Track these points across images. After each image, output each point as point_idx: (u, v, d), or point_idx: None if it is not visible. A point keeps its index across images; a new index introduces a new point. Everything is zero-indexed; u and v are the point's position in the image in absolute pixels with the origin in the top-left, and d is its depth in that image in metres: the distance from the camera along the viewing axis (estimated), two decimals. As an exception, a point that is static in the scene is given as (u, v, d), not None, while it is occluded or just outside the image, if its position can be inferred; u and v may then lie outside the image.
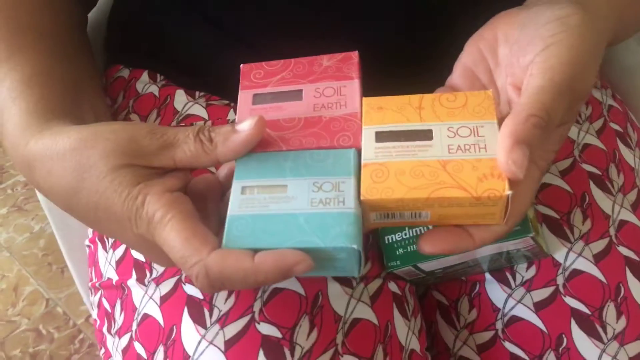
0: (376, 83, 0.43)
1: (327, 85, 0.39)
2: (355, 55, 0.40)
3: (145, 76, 0.53)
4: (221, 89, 0.50)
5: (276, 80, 0.40)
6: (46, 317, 1.19)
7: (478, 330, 0.47)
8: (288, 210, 0.33)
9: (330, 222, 0.33)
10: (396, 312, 0.46)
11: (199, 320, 0.43)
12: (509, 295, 0.46)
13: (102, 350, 0.50)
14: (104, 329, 0.50)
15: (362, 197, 0.33)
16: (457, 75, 0.40)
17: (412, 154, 0.34)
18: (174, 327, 0.43)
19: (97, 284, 0.51)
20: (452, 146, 0.34)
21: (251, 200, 0.34)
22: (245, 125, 0.34)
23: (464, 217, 0.34)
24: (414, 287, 0.50)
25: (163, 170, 0.35)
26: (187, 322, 0.43)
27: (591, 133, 0.51)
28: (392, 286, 0.47)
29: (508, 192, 0.32)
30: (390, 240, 0.45)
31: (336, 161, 0.35)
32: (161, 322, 0.44)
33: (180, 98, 0.51)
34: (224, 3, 0.49)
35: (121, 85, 0.54)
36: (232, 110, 0.50)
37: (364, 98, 0.38)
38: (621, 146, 0.52)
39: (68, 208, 0.37)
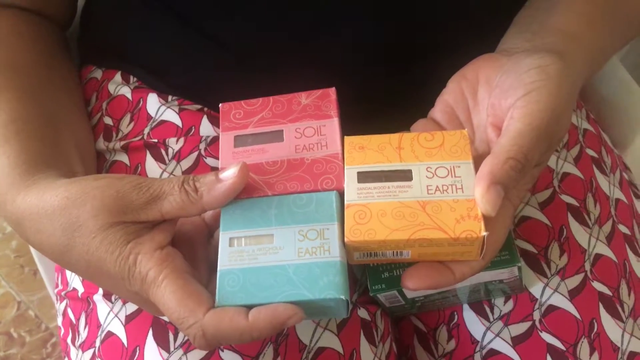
0: (356, 114, 0.47)
1: (307, 125, 0.43)
2: (332, 92, 0.45)
3: (117, 77, 0.56)
4: (194, 92, 0.54)
5: (256, 120, 0.44)
6: (17, 320, 1.20)
7: (457, 361, 0.51)
8: (276, 262, 0.37)
9: (318, 272, 0.36)
10: (363, 340, 0.49)
11: (162, 342, 0.46)
12: (488, 328, 0.50)
13: (66, 359, 0.53)
14: (69, 340, 0.53)
15: (346, 239, 0.37)
16: (437, 110, 0.45)
17: (392, 195, 0.39)
18: (137, 348, 0.46)
19: (62, 293, 0.54)
20: (431, 187, 0.39)
21: (239, 253, 0.38)
22: (229, 173, 0.38)
23: (443, 254, 0.39)
24: (388, 312, 0.54)
25: (151, 224, 0.38)
26: (150, 344, 0.46)
27: (569, 161, 0.56)
28: (362, 312, 0.51)
29: (484, 233, 0.36)
30: (375, 264, 0.49)
31: (319, 206, 0.39)
32: (125, 341, 0.47)
33: (152, 101, 0.54)
34: (203, 9, 0.51)
35: (94, 86, 0.57)
36: (205, 116, 0.53)
37: (345, 137, 0.42)
38: (597, 173, 0.57)
39: (60, 263, 0.40)
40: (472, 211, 0.37)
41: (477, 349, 0.50)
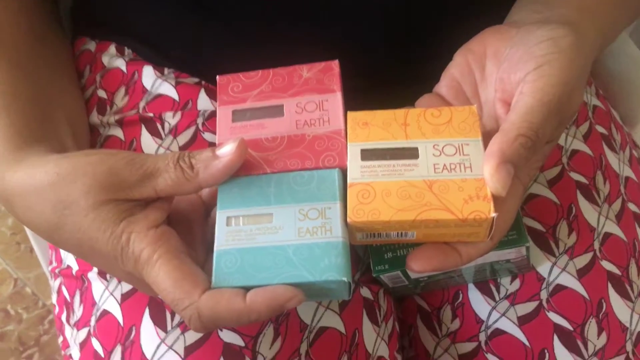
0: (359, 89, 0.46)
1: (309, 100, 0.41)
2: (335, 65, 0.43)
3: (112, 49, 0.54)
4: (192, 65, 0.52)
5: (255, 94, 0.42)
6: (14, 297, 1.21)
7: (461, 340, 0.51)
8: (276, 242, 0.36)
9: (319, 253, 0.35)
10: (365, 319, 0.49)
11: (159, 322, 0.45)
12: (493, 308, 0.50)
13: (61, 338, 0.52)
14: (63, 317, 0.52)
15: (348, 220, 0.36)
16: (443, 85, 0.43)
17: (398, 174, 0.37)
18: (133, 327, 0.46)
19: (56, 270, 0.53)
20: (438, 165, 0.37)
21: (237, 232, 0.37)
22: (226, 150, 0.37)
23: (449, 235, 0.37)
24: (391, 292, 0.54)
25: (145, 202, 0.37)
26: (147, 323, 0.45)
27: (578, 138, 0.55)
28: (364, 292, 0.50)
29: (493, 214, 0.35)
30: (378, 244, 0.48)
31: (320, 184, 0.38)
32: (120, 320, 0.46)
33: (148, 74, 0.52)
34: None
35: (87, 58, 0.55)
36: (202, 89, 0.51)
37: (349, 113, 0.40)
38: (607, 150, 0.56)
39: (51, 241, 0.39)
40: (481, 191, 0.36)
41: (482, 328, 0.50)
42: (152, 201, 0.37)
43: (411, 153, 0.38)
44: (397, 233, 0.37)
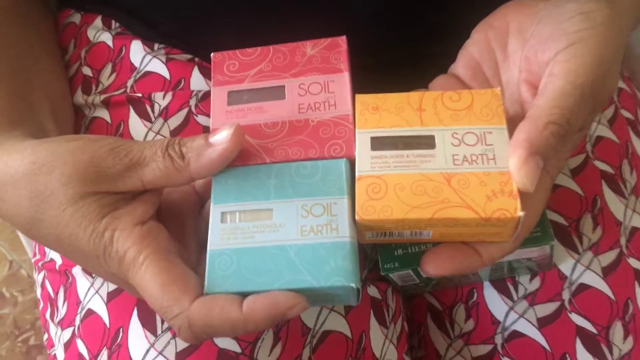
0: (367, 68, 0.42)
1: (313, 80, 0.37)
2: (343, 41, 0.39)
3: (98, 22, 0.50)
4: (184, 40, 0.48)
5: (253, 73, 0.38)
6: (10, 279, 1.18)
7: (475, 342, 0.47)
8: (276, 241, 0.32)
9: (324, 255, 0.32)
10: (373, 321, 0.45)
11: (149, 324, 0.42)
12: (511, 308, 0.46)
13: (46, 336, 0.49)
14: (47, 315, 0.49)
15: (357, 217, 0.32)
16: (461, 65, 0.39)
17: (413, 166, 0.33)
18: (121, 329, 0.42)
19: (40, 263, 0.50)
20: (457, 156, 0.33)
21: (233, 230, 0.33)
22: (220, 137, 0.33)
23: (469, 235, 0.34)
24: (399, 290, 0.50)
25: (130, 194, 0.34)
26: (135, 325, 0.42)
27: (603, 123, 0.51)
28: (372, 291, 0.47)
29: (520, 213, 0.31)
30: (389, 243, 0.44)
31: (326, 176, 0.34)
32: (107, 321, 0.43)
33: (136, 49, 0.48)
34: None
35: (72, 32, 0.51)
36: (196, 67, 0.48)
37: (357, 96, 0.36)
38: (633, 137, 0.52)
39: (30, 236, 0.36)
40: (506, 186, 0.32)
41: (499, 330, 0.46)
42: (138, 194, 0.34)
43: (427, 142, 0.34)
44: (411, 232, 0.34)
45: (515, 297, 0.46)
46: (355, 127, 0.35)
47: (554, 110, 0.32)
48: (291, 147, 0.35)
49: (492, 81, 0.39)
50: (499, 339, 0.46)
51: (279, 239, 0.33)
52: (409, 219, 0.32)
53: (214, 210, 0.34)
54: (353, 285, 0.31)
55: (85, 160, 0.33)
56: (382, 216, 0.32)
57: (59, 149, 0.34)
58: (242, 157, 0.35)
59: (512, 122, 0.34)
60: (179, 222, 0.36)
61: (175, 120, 0.46)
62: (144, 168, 0.33)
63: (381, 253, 0.43)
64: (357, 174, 0.34)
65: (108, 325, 0.42)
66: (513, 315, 0.46)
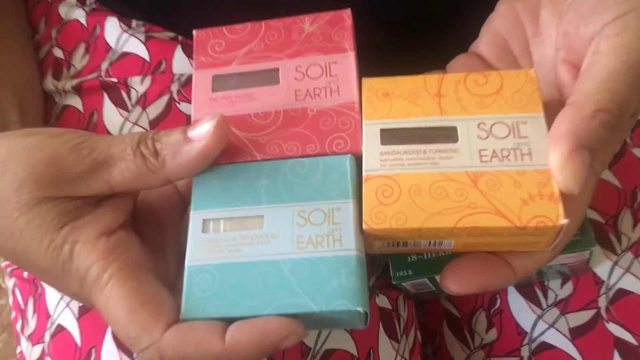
0: (373, 47, 0.36)
1: (312, 62, 0.32)
2: (347, 15, 0.33)
3: None
4: (165, 15, 0.43)
5: (243, 54, 0.33)
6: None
7: (498, 354, 0.43)
8: (267, 256, 0.27)
9: (325, 272, 0.26)
10: (382, 336, 0.40)
11: (124, 345, 0.37)
12: (539, 317, 0.41)
13: (19, 349, 0.44)
14: (18, 326, 0.44)
15: (365, 226, 0.27)
16: (484, 42, 0.34)
17: (431, 163, 0.28)
18: (93, 350, 0.38)
19: (9, 269, 0.45)
20: (485, 152, 0.28)
21: (216, 242, 0.28)
22: (201, 130, 0.28)
23: (499, 245, 0.28)
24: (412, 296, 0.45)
25: (96, 199, 0.29)
26: (109, 345, 0.37)
27: None
28: (381, 300, 0.41)
29: (563, 220, 0.26)
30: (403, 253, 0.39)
31: (327, 176, 0.29)
32: (78, 340, 0.38)
33: (112, 27, 0.43)
34: None
35: (43, 9, 0.46)
36: (179, 46, 0.43)
37: (363, 80, 0.31)
38: None
39: None
40: (546, 188, 0.27)
41: (525, 341, 0.41)
42: (105, 199, 0.29)
43: (448, 135, 0.29)
44: (429, 242, 0.28)
45: (544, 305, 0.41)
46: (362, 118, 0.30)
47: (603, 95, 0.27)
48: (286, 141, 0.30)
49: (521, 61, 0.33)
50: (525, 352, 0.42)
51: (271, 252, 0.27)
52: (427, 228, 0.27)
53: (194, 218, 0.29)
54: (360, 309, 0.26)
55: (42, 160, 0.28)
56: (395, 225, 0.27)
57: (14, 146, 0.29)
58: (227, 154, 0.30)
59: (550, 111, 0.29)
60: (156, 229, 0.31)
61: (154, 109, 0.40)
62: (111, 168, 0.28)
63: (392, 259, 0.38)
64: (364, 174, 0.28)
65: (79, 345, 0.37)
66: (542, 324, 0.41)
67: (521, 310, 0.42)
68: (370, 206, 0.27)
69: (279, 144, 0.30)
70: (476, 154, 0.28)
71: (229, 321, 0.26)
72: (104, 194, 0.29)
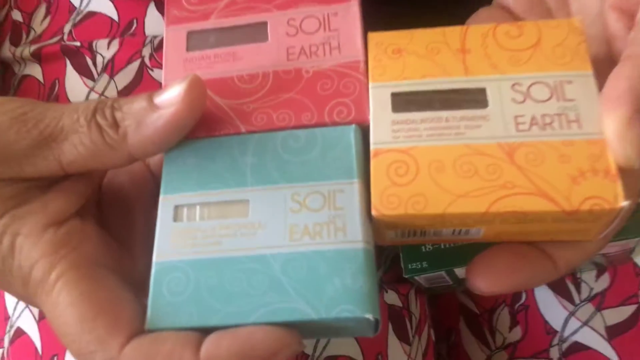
0: (380, 5, 0.31)
1: (307, 13, 0.27)
2: None
3: None
4: None
5: (223, 5, 0.27)
6: None
7: (523, 355, 0.38)
8: (253, 250, 0.22)
9: (326, 270, 0.21)
10: (392, 338, 0.35)
11: None
12: (571, 314, 0.36)
13: None
14: None
15: (374, 212, 0.22)
16: None
17: (455, 134, 0.23)
18: (55, 358, 0.33)
19: None
20: (522, 118, 0.23)
21: (191, 233, 0.23)
22: (170, 95, 0.23)
23: (539, 234, 0.23)
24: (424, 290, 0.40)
25: (45, 182, 0.24)
26: None
27: None
28: (390, 297, 0.36)
29: (623, 203, 0.21)
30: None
31: (327, 151, 0.23)
32: (39, 346, 0.34)
33: None
34: None
35: None
36: (152, 4, 0.37)
37: (370, 34, 0.26)
38: None
39: None
40: (599, 162, 0.22)
41: (555, 341, 0.37)
42: (57, 182, 0.24)
43: (476, 98, 0.23)
44: (453, 231, 0.23)
45: (576, 300, 0.37)
46: (368, 80, 0.25)
47: None
48: (276, 109, 0.25)
49: (557, 14, 0.28)
50: (555, 353, 0.37)
51: (258, 245, 0.22)
52: (452, 213, 0.22)
53: (165, 204, 0.24)
54: (370, 316, 0.21)
55: None
56: (412, 210, 0.22)
57: None
58: (205, 125, 0.25)
59: (595, 68, 0.24)
60: (124, 218, 0.26)
61: (124, 77, 0.35)
62: (61, 143, 0.23)
63: (403, 248, 0.32)
64: (372, 148, 0.23)
65: (40, 351, 0.32)
66: (574, 322, 0.37)
67: (550, 306, 0.37)
68: (380, 187, 0.22)
69: (267, 113, 0.25)
70: (511, 122, 0.23)
71: (205, 332, 0.21)
72: (54, 176, 0.24)
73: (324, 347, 0.32)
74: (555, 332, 0.37)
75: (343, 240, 0.22)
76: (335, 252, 0.22)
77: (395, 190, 0.22)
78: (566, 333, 0.36)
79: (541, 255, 0.24)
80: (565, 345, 0.36)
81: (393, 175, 0.22)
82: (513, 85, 0.23)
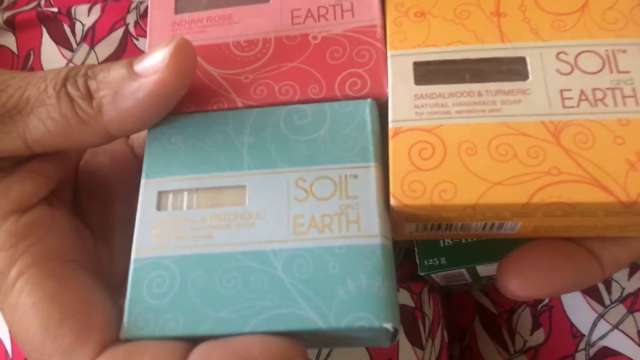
0: None
1: (315, -27, 0.23)
2: None
3: None
4: None
5: (219, -38, 0.24)
6: None
7: (546, 360, 0.34)
8: (250, 244, 0.19)
9: (336, 270, 0.18)
10: (403, 343, 0.32)
11: None
12: (600, 316, 0.33)
13: None
14: None
15: (394, 203, 0.18)
16: None
17: (490, 110, 0.19)
18: None
19: None
20: (570, 93, 0.19)
21: (177, 224, 0.19)
22: (153, 61, 0.19)
23: (585, 229, 0.20)
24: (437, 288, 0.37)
25: (9, 163, 0.21)
26: None
27: None
28: (402, 297, 0.33)
29: (694, 191, 0.17)
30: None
31: (338, 129, 0.20)
32: (9, 349, 0.30)
33: None
34: None
35: None
36: None
37: (387, -4, 0.22)
38: None
39: None
40: (663, 145, 0.18)
41: (582, 346, 0.33)
42: (23, 163, 0.21)
43: (514, 69, 0.20)
44: (484, 225, 0.20)
45: (607, 301, 0.33)
46: (386, 47, 0.21)
47: None
48: (279, 81, 0.21)
49: None
50: (581, 359, 0.33)
51: (256, 240, 0.19)
52: (486, 204, 0.18)
53: (147, 189, 0.20)
54: (388, 326, 0.18)
55: None
56: (439, 200, 0.18)
57: None
58: (195, 98, 0.21)
59: None
60: (101, 205, 0.23)
61: (106, 47, 0.31)
62: (27, 118, 0.20)
63: (419, 242, 0.29)
64: (391, 126, 0.20)
65: (10, 354, 0.29)
66: (603, 325, 0.33)
67: (577, 307, 0.34)
68: (401, 172, 0.19)
69: (268, 85, 0.21)
70: (557, 97, 0.19)
71: (192, 342, 0.18)
72: (18, 155, 0.20)
73: (328, 354, 0.29)
74: (582, 335, 0.34)
75: (357, 234, 0.19)
76: (348, 249, 0.18)
77: (418, 176, 0.19)
78: (594, 337, 0.33)
79: (585, 254, 0.21)
80: (592, 350, 0.33)
81: (416, 158, 0.19)
82: (558, 54, 0.20)
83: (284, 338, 0.18)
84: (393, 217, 0.19)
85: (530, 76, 0.20)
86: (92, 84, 0.20)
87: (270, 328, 0.18)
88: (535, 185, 0.18)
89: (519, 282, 0.20)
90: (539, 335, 0.35)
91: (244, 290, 0.18)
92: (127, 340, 0.18)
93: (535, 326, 0.35)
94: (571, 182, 0.18)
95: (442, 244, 0.28)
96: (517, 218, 0.19)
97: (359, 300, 0.18)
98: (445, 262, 0.28)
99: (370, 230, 0.19)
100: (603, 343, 0.33)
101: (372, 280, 0.18)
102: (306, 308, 0.18)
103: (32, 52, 0.32)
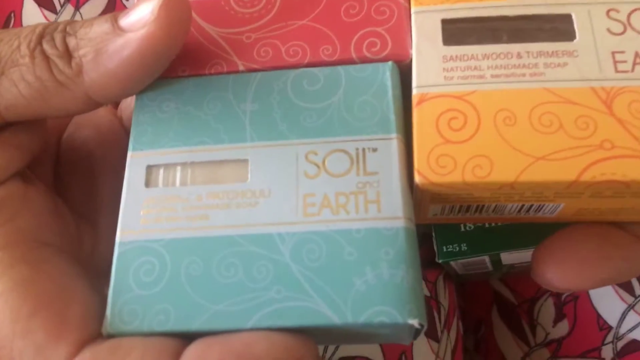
0: None
1: None
2: None
3: None
4: None
5: None
6: None
7: (570, 354, 0.33)
8: (253, 227, 0.17)
9: (352, 257, 0.16)
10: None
11: None
12: (630, 307, 0.31)
13: None
14: None
15: (419, 180, 0.16)
16: None
17: (531, 75, 0.17)
18: None
19: None
20: (623, 56, 0.17)
21: (168, 202, 0.17)
22: (139, 14, 0.17)
23: (633, 212, 0.17)
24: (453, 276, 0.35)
25: None
26: None
27: None
28: None
29: None
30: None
31: (354, 96, 0.18)
32: None
33: None
34: None
35: None
36: None
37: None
38: None
39: None
40: None
41: (610, 338, 0.31)
42: None
43: (558, 28, 0.18)
44: (521, 206, 0.17)
45: (637, 291, 0.31)
46: (409, 2, 0.19)
47: None
48: (286, 41, 0.19)
49: None
50: (608, 352, 0.31)
51: (260, 221, 0.17)
52: (527, 182, 0.16)
53: (134, 163, 0.18)
54: (414, 322, 0.15)
55: None
56: (472, 177, 0.16)
57: None
58: (190, 60, 0.19)
59: None
60: (86, 182, 0.21)
61: (92, 8, 0.29)
62: None
63: (437, 227, 0.27)
64: (416, 92, 0.17)
65: None
66: (633, 317, 0.31)
67: (605, 297, 0.32)
68: (428, 145, 0.16)
69: (274, 46, 0.19)
70: (608, 59, 0.17)
71: (186, 338, 0.16)
72: None
73: (337, 347, 0.26)
74: (610, 327, 0.31)
75: (377, 216, 0.16)
76: (366, 233, 0.16)
77: (447, 150, 0.16)
78: (623, 329, 0.31)
79: (634, 240, 0.18)
80: (620, 344, 0.31)
81: (445, 129, 0.17)
82: (608, 11, 0.18)
83: (291, 335, 0.15)
84: (416, 197, 0.17)
85: (577, 36, 0.17)
86: (72, 41, 0.17)
87: (276, 323, 0.15)
88: (584, 160, 0.16)
89: (560, 273, 0.18)
90: (563, 327, 0.33)
91: (245, 279, 0.16)
92: (111, 336, 0.16)
93: (559, 317, 0.33)
94: (626, 157, 0.16)
95: (462, 229, 0.26)
96: (561, 199, 0.17)
97: (380, 292, 0.15)
98: (466, 248, 0.26)
99: (392, 211, 0.16)
100: (632, 336, 0.31)
101: (394, 269, 0.16)
102: (318, 301, 0.15)
103: (12, 14, 0.29)
